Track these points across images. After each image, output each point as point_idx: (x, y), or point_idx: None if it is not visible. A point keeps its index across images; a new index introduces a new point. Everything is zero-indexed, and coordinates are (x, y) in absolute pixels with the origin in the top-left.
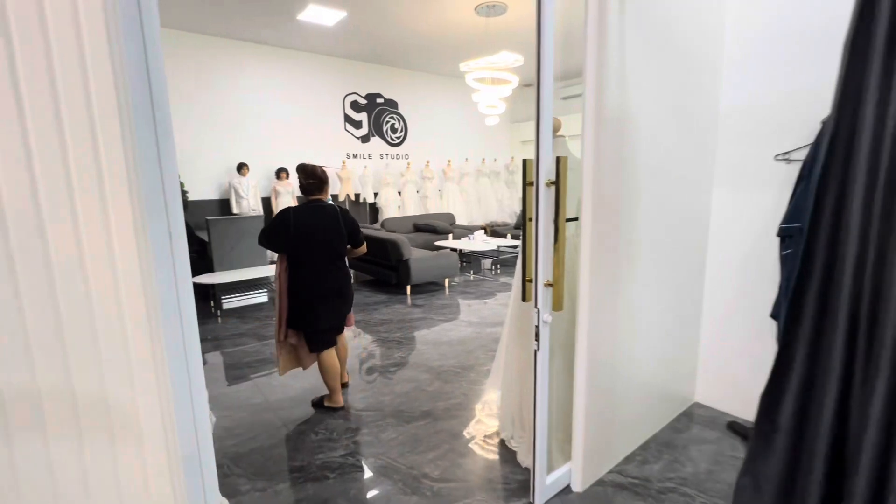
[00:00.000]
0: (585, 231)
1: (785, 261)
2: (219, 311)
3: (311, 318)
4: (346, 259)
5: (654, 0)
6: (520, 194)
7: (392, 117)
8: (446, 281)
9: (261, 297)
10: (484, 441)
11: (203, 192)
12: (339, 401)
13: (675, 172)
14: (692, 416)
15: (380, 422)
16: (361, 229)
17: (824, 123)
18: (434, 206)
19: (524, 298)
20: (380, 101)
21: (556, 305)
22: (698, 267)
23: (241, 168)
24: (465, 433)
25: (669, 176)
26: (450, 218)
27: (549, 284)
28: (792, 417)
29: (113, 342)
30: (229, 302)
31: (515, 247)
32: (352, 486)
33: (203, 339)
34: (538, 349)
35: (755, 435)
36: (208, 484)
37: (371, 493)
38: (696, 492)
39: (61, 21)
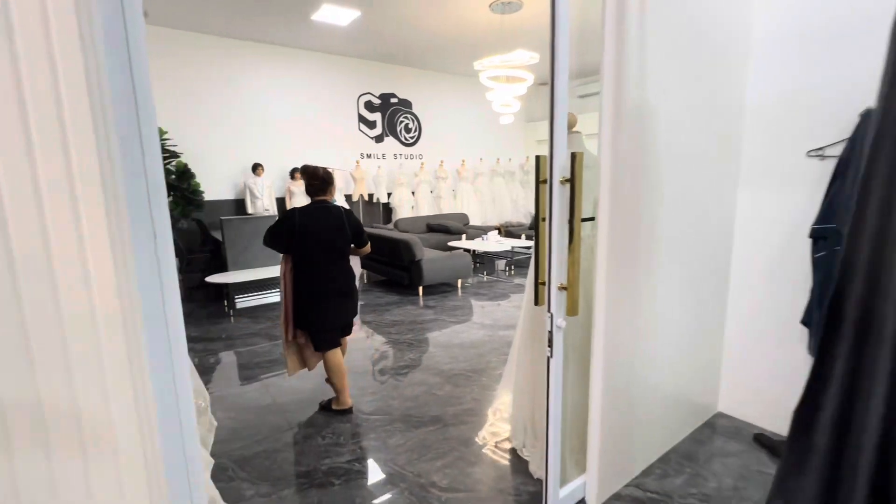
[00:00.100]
0: (602, 231)
1: (818, 264)
2: (232, 311)
3: (315, 318)
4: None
5: None
6: (534, 194)
7: (406, 117)
8: (459, 282)
9: (274, 296)
10: (495, 449)
11: (219, 192)
12: (347, 402)
13: (699, 170)
14: (715, 427)
15: (388, 426)
16: (373, 229)
17: (863, 116)
18: (448, 207)
19: (537, 302)
20: (394, 100)
21: (571, 310)
22: (722, 269)
23: (256, 168)
24: (475, 440)
25: (692, 173)
26: (463, 218)
27: (563, 288)
28: (830, 436)
29: (83, 348)
30: (242, 301)
31: (530, 247)
32: (357, 494)
33: (215, 339)
34: (551, 356)
35: (787, 453)
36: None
37: (376, 502)
38: None
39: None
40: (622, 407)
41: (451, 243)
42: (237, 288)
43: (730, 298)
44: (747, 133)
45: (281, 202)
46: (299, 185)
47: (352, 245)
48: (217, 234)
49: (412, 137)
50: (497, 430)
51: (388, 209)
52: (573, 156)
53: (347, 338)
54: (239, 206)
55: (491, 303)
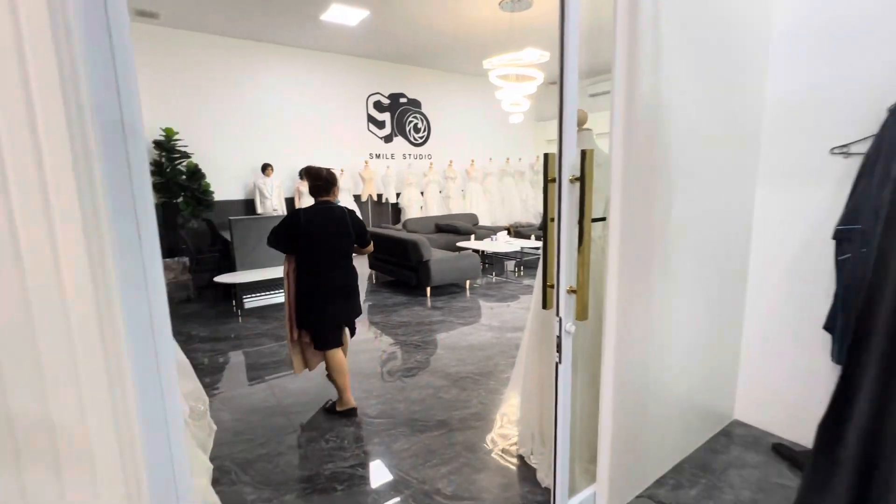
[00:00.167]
0: (614, 232)
1: (842, 266)
2: (240, 311)
3: (316, 317)
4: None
5: None
6: (543, 194)
7: (415, 117)
8: (467, 283)
9: (281, 296)
10: (501, 456)
11: (229, 192)
12: (350, 401)
13: (715, 167)
14: (731, 436)
15: (392, 430)
16: (380, 229)
17: (892, 111)
18: (457, 207)
19: (545, 305)
20: (403, 100)
21: (581, 314)
22: (740, 271)
23: (266, 168)
24: (481, 446)
25: (708, 171)
26: (473, 218)
27: (572, 291)
28: (858, 450)
29: (55, 354)
30: (251, 301)
31: (539, 248)
32: (360, 501)
33: (223, 339)
34: (560, 362)
35: (812, 468)
36: None
37: None
38: None
39: None
40: (633, 414)
41: (459, 244)
42: (245, 288)
43: (747, 301)
44: (767, 129)
45: (290, 202)
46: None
47: (355, 245)
48: (226, 234)
49: (421, 137)
50: (504, 435)
51: (396, 209)
52: (583, 153)
53: (352, 338)
54: (249, 206)
55: (500, 304)
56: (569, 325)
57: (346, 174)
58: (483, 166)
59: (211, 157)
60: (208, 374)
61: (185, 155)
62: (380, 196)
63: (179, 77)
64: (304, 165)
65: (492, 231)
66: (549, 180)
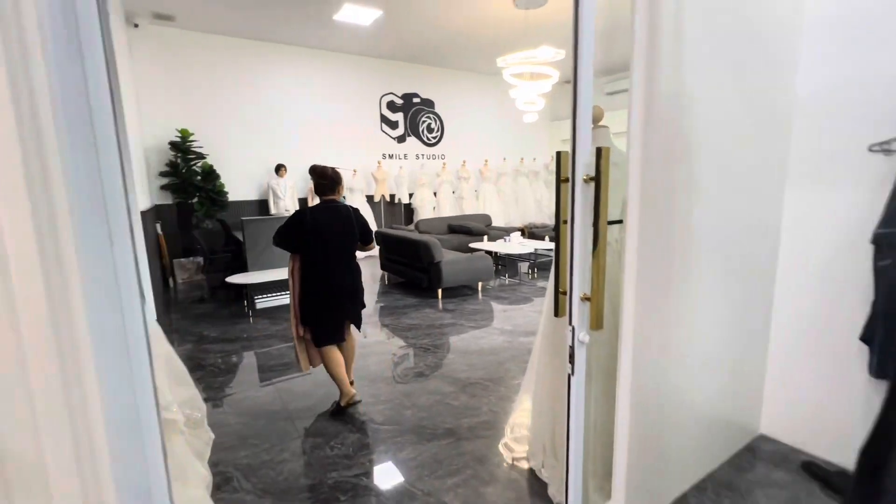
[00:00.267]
0: (631, 235)
1: (881, 273)
2: (251, 312)
3: (319, 315)
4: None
5: None
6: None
7: (428, 117)
8: (479, 285)
9: None
10: (511, 468)
11: (243, 192)
12: (350, 391)
13: (741, 167)
14: (756, 452)
15: (398, 438)
16: (391, 230)
17: None
18: (470, 207)
19: (557, 313)
20: (416, 100)
21: (595, 323)
22: (767, 277)
23: (279, 169)
24: (490, 457)
25: (733, 171)
26: (486, 219)
27: (586, 298)
28: None
29: (4, 374)
30: (262, 302)
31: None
32: None
33: (233, 340)
34: (573, 373)
35: (853, 497)
36: None
37: None
38: None
39: None
40: (652, 428)
41: (472, 245)
42: (256, 288)
43: (775, 309)
44: (797, 125)
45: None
46: None
47: (358, 242)
48: (239, 235)
49: (434, 137)
50: (514, 446)
51: (409, 210)
52: (598, 151)
53: (360, 341)
54: (262, 206)
55: (512, 307)
56: (582, 335)
57: (358, 174)
58: (497, 166)
59: (225, 158)
60: (215, 375)
61: (200, 155)
62: (392, 196)
63: (195, 78)
64: None
65: (505, 232)
66: (562, 180)
